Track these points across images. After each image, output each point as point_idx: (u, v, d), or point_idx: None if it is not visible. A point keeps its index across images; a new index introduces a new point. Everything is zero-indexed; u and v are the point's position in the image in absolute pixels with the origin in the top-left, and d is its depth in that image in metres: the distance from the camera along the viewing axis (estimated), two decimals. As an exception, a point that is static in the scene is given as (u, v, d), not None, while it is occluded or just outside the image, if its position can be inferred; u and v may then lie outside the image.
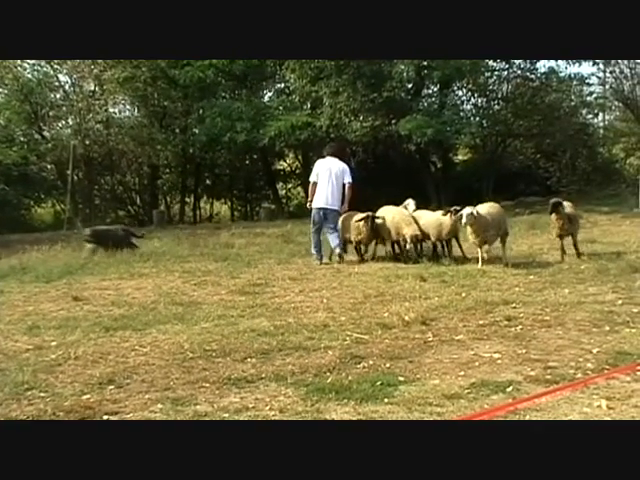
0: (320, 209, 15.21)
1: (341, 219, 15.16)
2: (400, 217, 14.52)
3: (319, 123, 26.66)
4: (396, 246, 14.98)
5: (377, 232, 14.69)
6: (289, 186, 34.14)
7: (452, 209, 13.58)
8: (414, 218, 14.61)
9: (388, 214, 14.82)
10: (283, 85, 30.59)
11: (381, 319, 9.12)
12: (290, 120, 27.09)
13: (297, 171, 33.45)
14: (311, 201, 15.56)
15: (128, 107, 30.91)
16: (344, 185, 15.23)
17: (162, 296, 11.44)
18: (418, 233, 14.02)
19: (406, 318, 9.04)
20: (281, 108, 28.75)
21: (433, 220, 14.33)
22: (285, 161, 33.32)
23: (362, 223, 14.42)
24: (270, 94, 31.68)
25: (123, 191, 31.63)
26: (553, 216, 13.72)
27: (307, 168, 32.28)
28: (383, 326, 8.74)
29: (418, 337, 8.18)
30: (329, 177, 15.26)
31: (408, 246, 14.20)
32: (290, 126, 27.00)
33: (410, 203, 15.78)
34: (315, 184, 15.48)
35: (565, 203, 14.18)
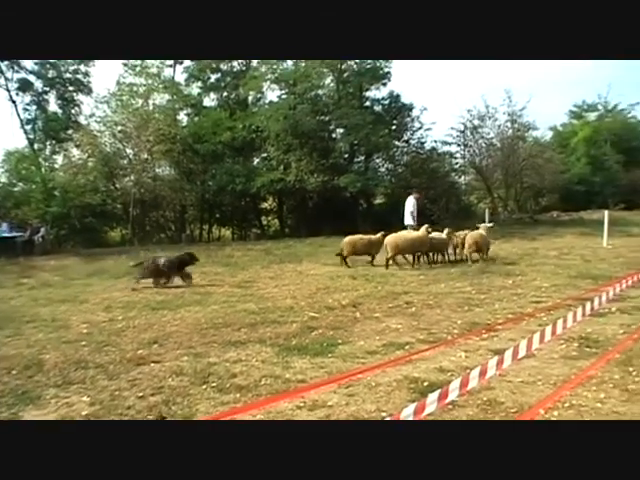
0: (406, 225, 16.62)
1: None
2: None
3: (288, 178, 26.44)
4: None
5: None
6: (269, 218, 33.96)
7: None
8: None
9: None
10: (266, 154, 30.49)
11: (327, 304, 9.16)
12: (270, 177, 26.85)
13: (274, 209, 33.32)
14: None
15: (168, 168, 30.66)
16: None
17: (188, 288, 11.42)
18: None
19: (343, 303, 9.13)
20: (264, 169, 28.65)
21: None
22: (267, 202, 33.16)
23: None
24: (257, 160, 31.50)
25: (164, 221, 31.33)
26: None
27: (281, 207, 32.34)
28: (328, 308, 8.78)
29: (350, 315, 8.23)
30: (408, 208, 17.08)
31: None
32: (270, 180, 26.80)
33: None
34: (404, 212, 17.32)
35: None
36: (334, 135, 29.54)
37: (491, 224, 15.06)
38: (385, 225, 26.91)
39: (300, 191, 28.23)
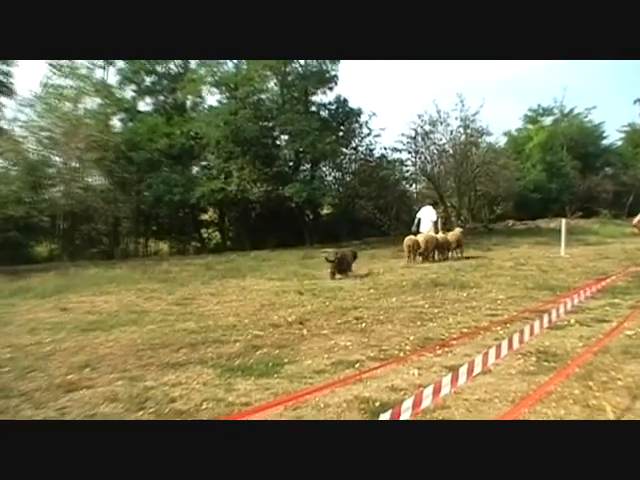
0: (426, 231, 18.37)
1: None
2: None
3: (230, 188, 26.37)
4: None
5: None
6: (209, 231, 33.76)
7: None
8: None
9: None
10: (205, 163, 30.34)
11: (272, 321, 9.09)
12: (210, 186, 26.78)
13: (215, 221, 33.15)
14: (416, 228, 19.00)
15: (100, 178, 30.19)
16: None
17: (122, 307, 11.24)
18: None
19: (289, 320, 9.08)
20: (204, 178, 28.48)
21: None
22: (207, 214, 32.95)
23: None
24: (197, 168, 31.35)
25: (96, 235, 30.85)
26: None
27: (222, 219, 32.19)
28: (274, 325, 8.70)
29: (297, 332, 8.18)
30: (428, 216, 19.02)
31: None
32: (210, 190, 26.72)
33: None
34: (419, 219, 19.17)
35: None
36: (278, 142, 29.65)
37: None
38: (333, 237, 27.32)
39: (242, 201, 28.22)
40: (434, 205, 20.37)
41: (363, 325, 8.54)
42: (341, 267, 14.13)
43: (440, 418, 4.49)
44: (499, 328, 7.78)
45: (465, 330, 7.87)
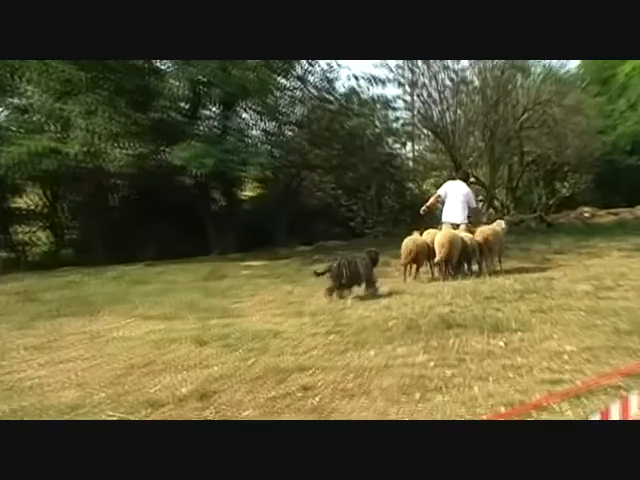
0: (452, 223, 20.14)
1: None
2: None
3: (69, 150, 25.76)
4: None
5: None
6: (30, 229, 33.20)
7: None
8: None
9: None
10: (23, 101, 29.94)
11: (149, 395, 9.02)
12: (30, 146, 25.67)
13: (45, 210, 32.71)
14: (427, 209, 20.92)
15: None
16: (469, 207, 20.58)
17: None
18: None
19: (180, 392, 9.01)
20: (22, 130, 27.93)
21: None
22: (25, 198, 32.55)
23: None
24: (4, 111, 30.89)
25: None
26: None
27: (55, 207, 31.80)
28: (152, 404, 8.62)
29: (195, 415, 8.12)
30: (460, 197, 20.46)
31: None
32: (29, 154, 25.61)
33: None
34: (439, 197, 20.79)
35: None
36: (159, 64, 29.35)
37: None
38: (263, 239, 27.29)
39: (93, 175, 27.93)
40: (466, 180, 21.31)
41: (316, 401, 8.50)
42: (341, 282, 15.16)
43: None
44: (565, 404, 7.79)
45: (503, 409, 7.87)
